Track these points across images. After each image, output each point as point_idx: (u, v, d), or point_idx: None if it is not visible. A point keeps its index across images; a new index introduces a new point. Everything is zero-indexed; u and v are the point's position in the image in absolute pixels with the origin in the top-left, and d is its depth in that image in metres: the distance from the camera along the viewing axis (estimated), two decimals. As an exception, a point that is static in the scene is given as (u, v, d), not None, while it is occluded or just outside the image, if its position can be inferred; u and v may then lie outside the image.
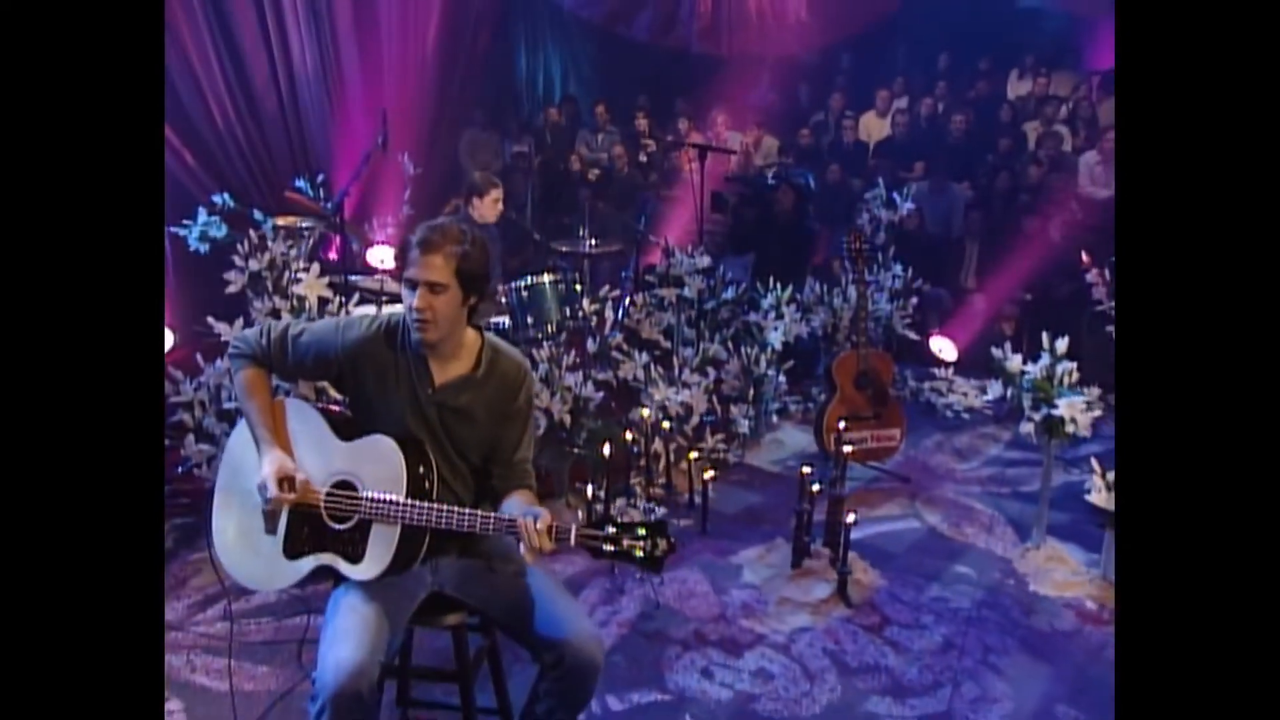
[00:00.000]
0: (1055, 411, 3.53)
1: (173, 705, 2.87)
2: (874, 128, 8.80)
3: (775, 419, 4.96)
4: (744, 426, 4.57)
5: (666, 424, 3.87)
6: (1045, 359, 3.64)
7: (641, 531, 2.11)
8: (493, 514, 2.17)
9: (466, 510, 2.16)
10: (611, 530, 2.11)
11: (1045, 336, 3.67)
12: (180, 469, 3.91)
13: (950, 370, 5.43)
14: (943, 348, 5.72)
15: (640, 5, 9.19)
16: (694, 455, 3.91)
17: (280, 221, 4.32)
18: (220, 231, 5.22)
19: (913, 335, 5.47)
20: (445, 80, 7.18)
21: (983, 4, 9.81)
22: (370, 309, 4.05)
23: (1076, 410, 3.51)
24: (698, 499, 3.97)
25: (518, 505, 2.22)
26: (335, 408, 2.47)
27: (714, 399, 4.39)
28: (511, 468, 2.36)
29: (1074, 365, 3.62)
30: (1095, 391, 4.52)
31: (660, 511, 3.90)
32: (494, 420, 2.33)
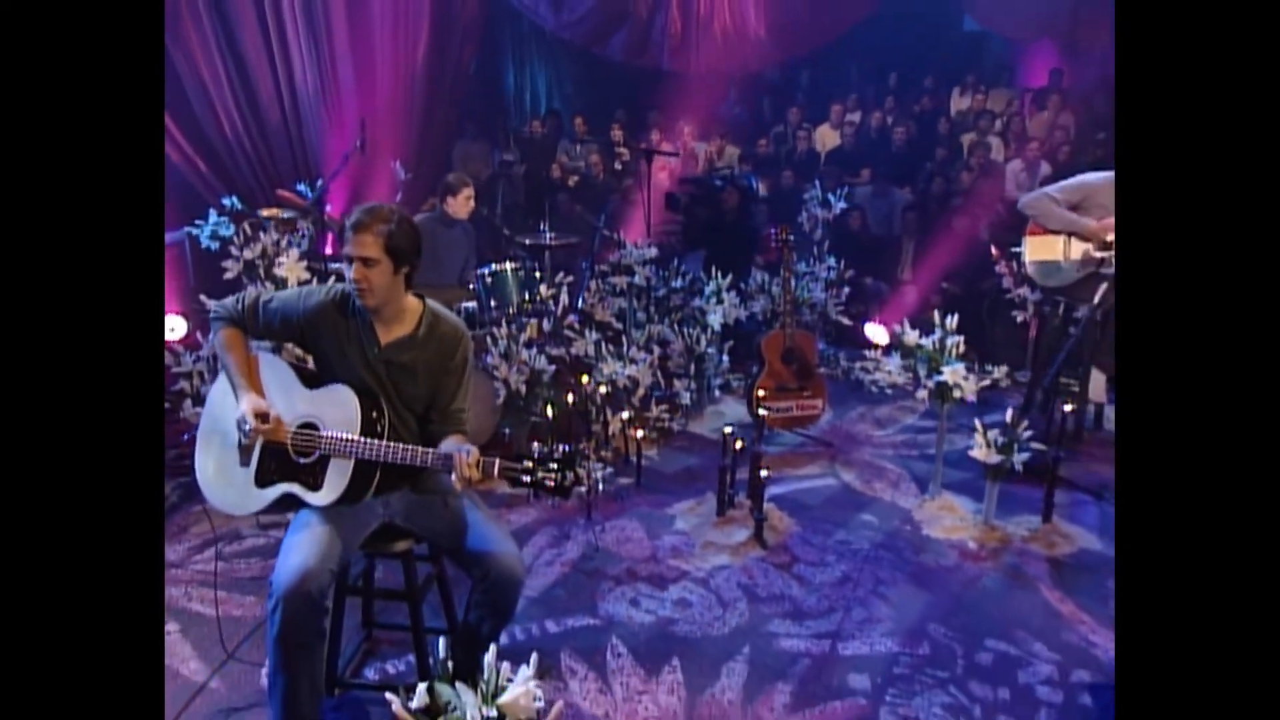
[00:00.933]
0: (941, 378, 3.77)
1: (171, 627, 3.11)
2: (827, 138, 9.04)
3: (718, 394, 5.20)
4: (686, 398, 4.80)
5: (603, 388, 4.08)
6: (938, 333, 3.88)
7: (554, 465, 2.32)
8: (431, 450, 2.39)
9: (409, 446, 2.38)
10: (528, 463, 2.33)
11: (936, 314, 3.91)
12: (185, 436, 4.12)
13: (880, 352, 5.66)
14: (876, 334, 5.95)
15: (616, 27, 9.37)
16: (626, 415, 4.12)
17: (264, 212, 4.54)
18: (229, 231, 5.45)
19: (845, 321, 5.71)
20: (433, 94, 7.36)
21: (931, 26, 10.05)
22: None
23: (959, 376, 3.75)
24: (641, 460, 4.23)
25: (452, 445, 2.45)
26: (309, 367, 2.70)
27: (659, 374, 4.62)
28: (448, 415, 2.57)
29: (961, 339, 3.85)
30: (1003, 369, 4.77)
31: (607, 470, 4.14)
32: (434, 375, 2.54)
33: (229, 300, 2.57)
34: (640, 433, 4.07)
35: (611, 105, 9.47)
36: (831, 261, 5.77)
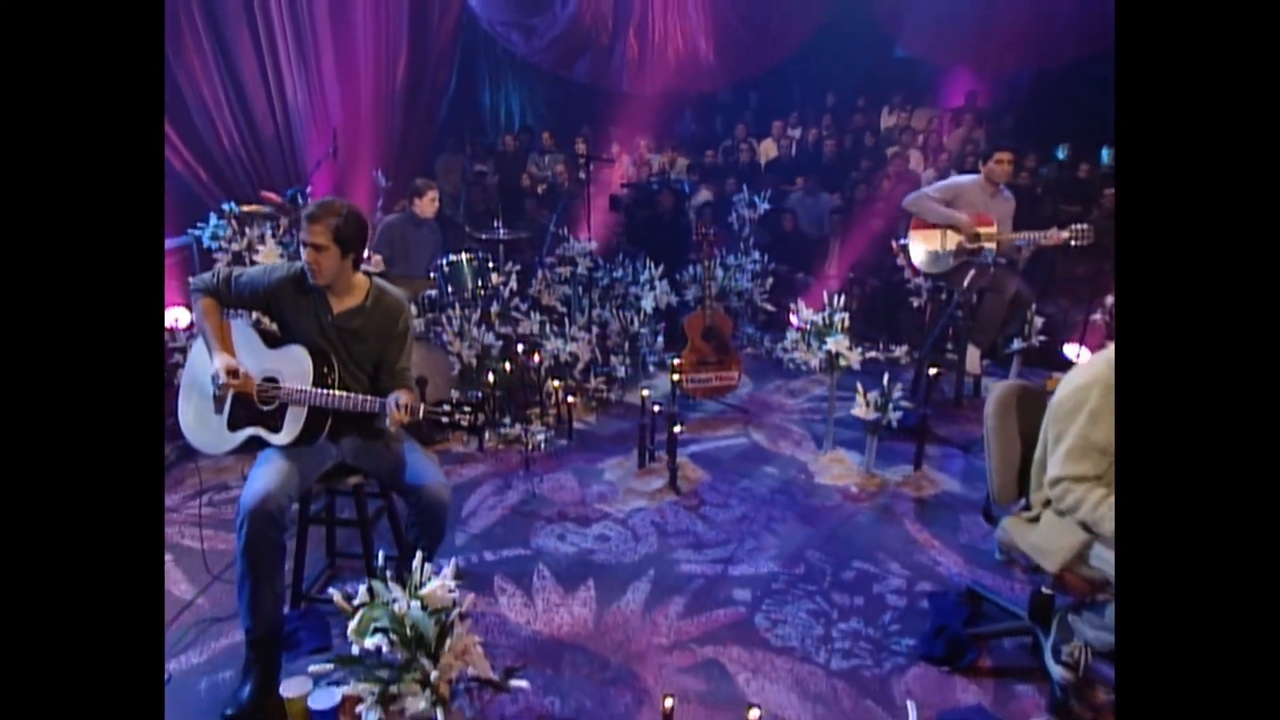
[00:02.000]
0: (827, 346, 4.08)
1: (166, 558, 3.38)
2: (769, 150, 9.37)
3: (653, 369, 5.48)
4: (622, 372, 5.09)
5: (536, 356, 4.35)
6: (826, 311, 4.19)
7: (467, 409, 2.60)
8: (370, 397, 2.67)
9: (350, 394, 2.65)
10: (447, 408, 2.61)
11: (825, 294, 4.22)
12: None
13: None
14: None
15: (580, 53, 9.69)
16: (557, 383, 4.40)
17: (246, 208, 4.80)
18: (227, 233, 5.70)
19: (770, 307, 6.01)
20: (411, 111, 7.61)
21: (866, 54, 10.42)
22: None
23: (843, 346, 4.06)
24: (577, 424, 4.51)
25: (394, 397, 2.72)
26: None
27: (597, 351, 4.90)
28: (395, 374, 2.84)
29: (846, 315, 4.16)
30: (904, 348, 5.06)
31: (549, 433, 4.43)
32: (380, 340, 2.81)
33: (206, 275, 2.83)
34: (571, 398, 4.35)
35: (578, 122, 9.76)
36: (756, 255, 6.07)
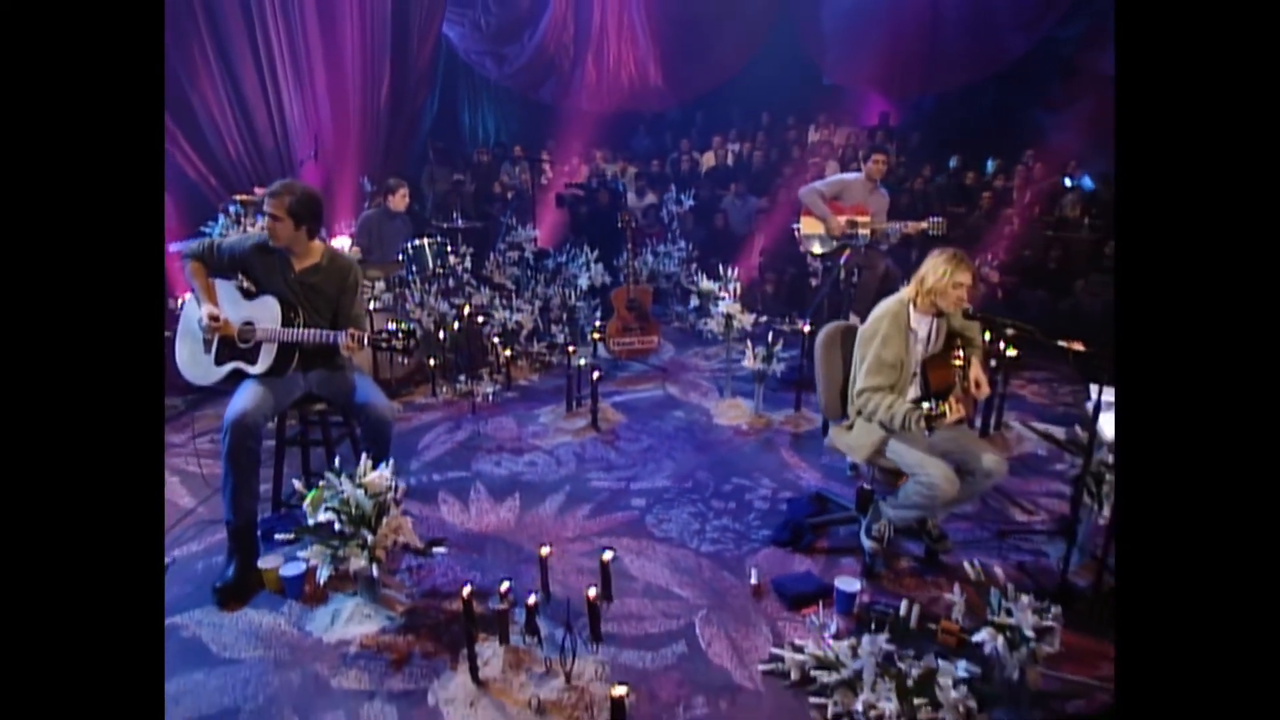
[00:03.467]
0: (719, 309, 4.47)
1: (173, 479, 3.71)
2: (708, 161, 9.77)
3: (589, 338, 5.86)
4: (561, 339, 5.44)
5: (481, 319, 4.71)
6: (720, 281, 4.58)
7: (401, 334, 2.96)
8: (326, 331, 3.00)
9: (311, 330, 3.00)
10: (385, 335, 2.96)
11: (720, 267, 4.61)
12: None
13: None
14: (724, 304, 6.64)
15: (545, 77, 10.05)
16: (496, 340, 4.76)
17: (240, 198, 5.13)
18: (233, 231, 6.01)
19: (694, 288, 6.38)
20: (394, 125, 7.93)
21: (798, 81, 10.85)
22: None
23: (735, 310, 4.45)
24: (521, 381, 4.86)
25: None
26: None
27: (539, 321, 5.26)
28: (350, 319, 3.16)
29: (737, 284, 4.55)
30: (806, 321, 5.42)
31: (496, 387, 4.78)
32: (335, 291, 3.13)
33: (194, 243, 3.17)
34: (508, 352, 4.71)
35: (544, 137, 10.13)
36: (683, 244, 6.45)
